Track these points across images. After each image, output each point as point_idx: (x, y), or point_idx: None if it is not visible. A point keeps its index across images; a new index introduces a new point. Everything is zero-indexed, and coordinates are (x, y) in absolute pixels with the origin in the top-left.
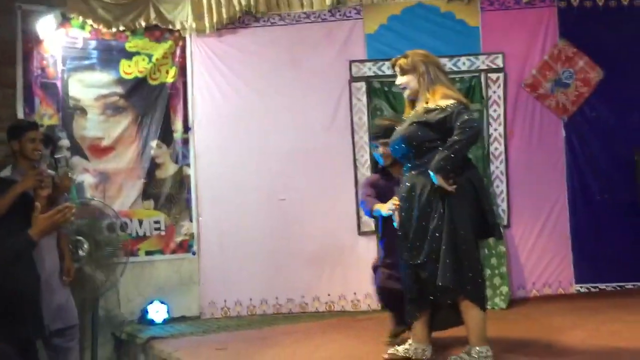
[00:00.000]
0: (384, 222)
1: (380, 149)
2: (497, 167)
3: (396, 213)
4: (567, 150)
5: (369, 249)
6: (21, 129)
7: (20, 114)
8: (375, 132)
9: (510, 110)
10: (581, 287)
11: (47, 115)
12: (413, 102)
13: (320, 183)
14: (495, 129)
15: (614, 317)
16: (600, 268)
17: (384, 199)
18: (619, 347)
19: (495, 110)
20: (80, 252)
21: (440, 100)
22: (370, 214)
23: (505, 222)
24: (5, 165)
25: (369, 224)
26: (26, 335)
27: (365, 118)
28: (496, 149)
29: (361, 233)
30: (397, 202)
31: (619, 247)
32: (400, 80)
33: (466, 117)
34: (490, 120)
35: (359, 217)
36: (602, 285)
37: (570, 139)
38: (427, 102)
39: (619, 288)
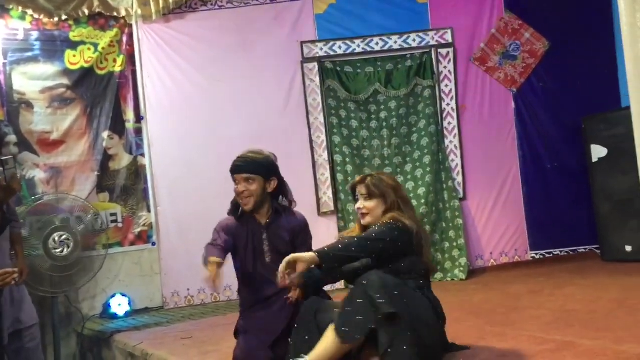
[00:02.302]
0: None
1: (240, 187)
2: (451, 142)
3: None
4: (517, 121)
5: (329, 230)
6: None
7: None
8: (241, 163)
9: (461, 84)
10: (536, 254)
11: None
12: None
13: (279, 164)
14: (448, 104)
15: (567, 281)
16: (554, 234)
17: (249, 247)
18: (573, 309)
19: (446, 86)
20: (66, 249)
21: None
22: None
23: (461, 195)
24: None
25: (329, 204)
26: None
27: (319, 99)
28: (449, 123)
29: (321, 214)
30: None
31: (570, 213)
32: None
33: None
34: (442, 96)
35: (318, 199)
36: (556, 251)
37: (520, 110)
38: None
39: (572, 252)
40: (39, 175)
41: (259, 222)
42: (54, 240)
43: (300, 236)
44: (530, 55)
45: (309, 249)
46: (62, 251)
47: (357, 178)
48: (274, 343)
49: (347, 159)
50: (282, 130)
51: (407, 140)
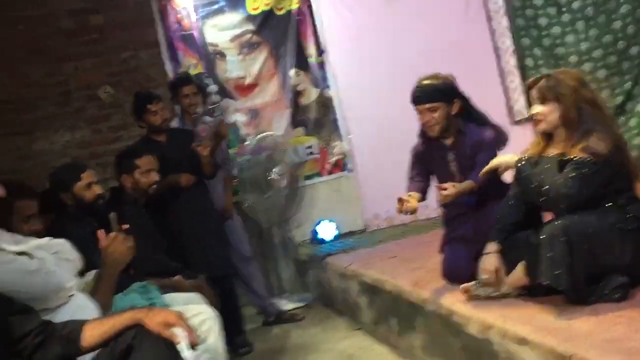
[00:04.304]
0: None
1: (425, 117)
2: None
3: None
4: None
5: (525, 138)
6: (174, 87)
7: (169, 70)
8: (420, 94)
9: None
10: None
11: (192, 66)
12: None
13: (463, 77)
14: None
15: None
16: None
17: (441, 169)
18: None
19: None
20: (284, 182)
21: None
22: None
23: None
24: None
25: (522, 112)
26: (218, 270)
27: (500, 1)
28: None
29: (514, 123)
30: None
31: None
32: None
33: None
34: None
35: (509, 107)
36: None
37: None
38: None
39: None
40: (240, 118)
41: (444, 144)
42: (273, 174)
43: (480, 154)
44: None
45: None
46: (280, 184)
47: (530, 80)
48: (477, 254)
49: (540, 62)
50: (463, 41)
51: (607, 30)
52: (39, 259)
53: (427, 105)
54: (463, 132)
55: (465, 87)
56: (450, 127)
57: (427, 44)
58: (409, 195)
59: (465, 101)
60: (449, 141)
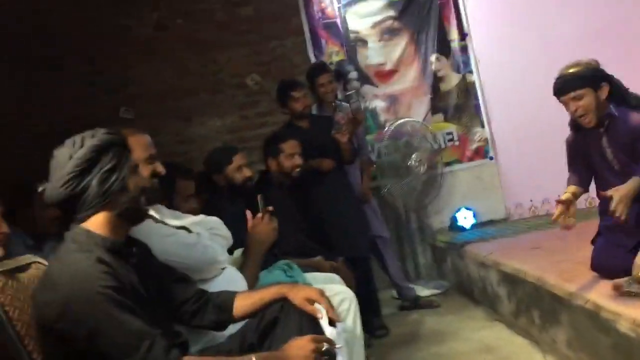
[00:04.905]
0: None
1: (571, 107)
2: None
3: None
4: None
5: None
6: (310, 76)
7: (312, 57)
8: (561, 84)
9: None
10: None
11: (334, 53)
12: None
13: (617, 60)
14: None
15: None
16: None
17: (596, 157)
18: None
19: None
20: (422, 168)
21: None
22: None
23: None
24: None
25: None
26: (356, 252)
27: None
28: None
29: None
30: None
31: None
32: None
33: None
34: None
35: None
36: None
37: None
38: None
39: None
40: (379, 104)
41: (596, 131)
42: (412, 160)
43: (638, 142)
44: None
45: None
46: (419, 170)
47: None
48: (635, 247)
49: None
50: (618, 22)
51: None
52: (196, 233)
53: (572, 94)
54: (615, 116)
55: (620, 71)
56: (602, 112)
57: (578, 26)
58: (566, 193)
59: (615, 84)
60: (601, 127)
